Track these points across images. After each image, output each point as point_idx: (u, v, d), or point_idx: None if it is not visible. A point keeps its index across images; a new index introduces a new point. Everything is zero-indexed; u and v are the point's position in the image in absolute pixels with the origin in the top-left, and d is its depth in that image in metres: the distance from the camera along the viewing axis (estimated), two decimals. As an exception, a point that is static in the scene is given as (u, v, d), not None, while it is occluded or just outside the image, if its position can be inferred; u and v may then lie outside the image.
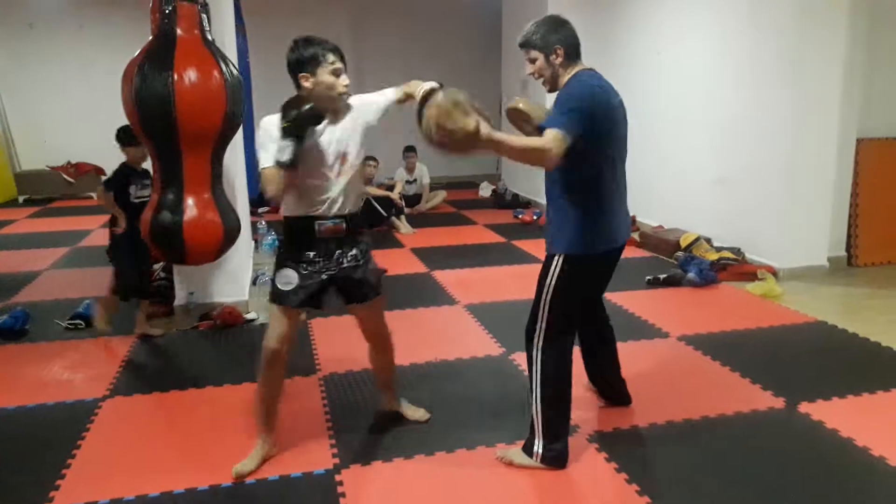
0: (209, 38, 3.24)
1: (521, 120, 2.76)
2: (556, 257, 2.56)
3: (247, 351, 3.96)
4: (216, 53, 3.17)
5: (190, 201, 3.13)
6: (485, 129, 2.19)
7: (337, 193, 2.60)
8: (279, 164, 2.41)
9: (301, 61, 2.51)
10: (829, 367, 3.62)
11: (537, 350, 2.61)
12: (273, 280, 2.65)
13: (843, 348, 3.89)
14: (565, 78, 2.52)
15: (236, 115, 3.20)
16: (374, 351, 2.97)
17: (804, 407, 3.12)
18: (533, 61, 2.55)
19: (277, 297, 2.62)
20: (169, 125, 2.98)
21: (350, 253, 2.68)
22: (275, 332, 2.64)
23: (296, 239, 2.64)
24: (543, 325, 2.59)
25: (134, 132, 3.38)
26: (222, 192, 3.37)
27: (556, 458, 2.63)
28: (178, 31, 3.09)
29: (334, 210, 2.61)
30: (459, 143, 2.21)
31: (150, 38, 3.16)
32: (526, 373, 3.51)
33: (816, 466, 2.68)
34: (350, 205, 2.67)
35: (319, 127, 2.51)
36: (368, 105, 2.73)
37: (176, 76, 2.94)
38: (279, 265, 2.65)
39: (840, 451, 2.78)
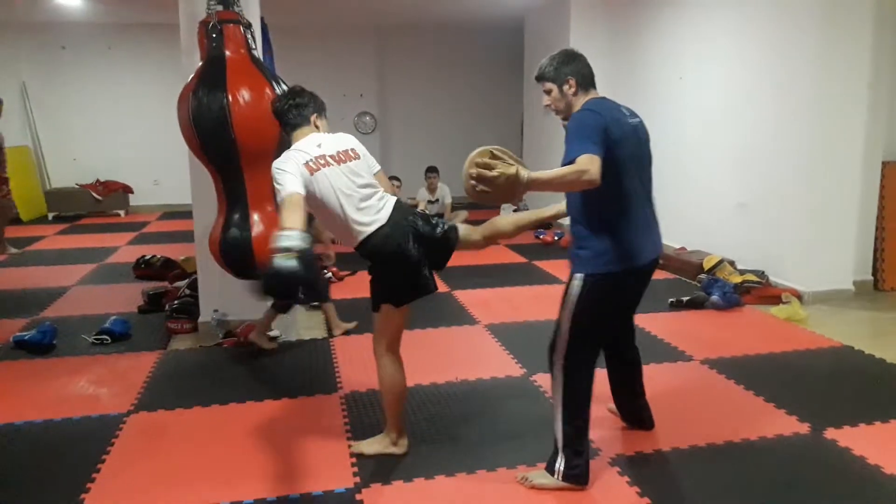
0: (256, 56, 3.30)
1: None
2: (577, 276, 2.58)
3: (270, 368, 4.00)
4: (265, 72, 3.23)
5: (256, 217, 3.18)
6: (524, 171, 2.30)
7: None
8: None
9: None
10: (856, 393, 3.57)
11: (558, 367, 2.63)
12: (385, 290, 2.78)
13: (870, 373, 3.83)
14: (577, 107, 2.58)
15: None
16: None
17: (830, 433, 3.08)
18: (548, 93, 2.64)
19: (396, 299, 2.77)
20: (228, 145, 3.03)
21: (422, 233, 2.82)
22: (391, 330, 2.82)
23: (378, 252, 2.75)
24: (565, 342, 2.61)
25: (195, 155, 3.44)
26: None
27: (577, 476, 2.62)
28: (227, 53, 3.15)
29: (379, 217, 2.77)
30: (502, 188, 2.31)
31: (200, 62, 3.22)
32: (547, 394, 3.52)
33: (843, 493, 2.64)
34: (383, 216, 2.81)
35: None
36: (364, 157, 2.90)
37: (230, 97, 3.00)
38: (391, 274, 2.76)
39: (867, 477, 2.73)
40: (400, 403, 2.90)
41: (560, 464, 2.62)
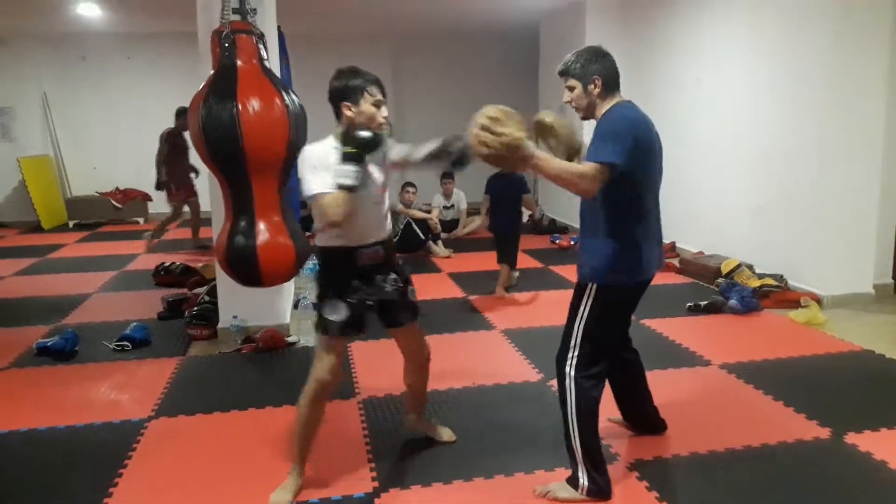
0: (268, 67, 3.34)
1: (547, 135, 2.79)
2: (590, 286, 2.56)
3: (288, 374, 4.03)
4: (276, 82, 3.27)
5: (262, 226, 3.21)
6: (531, 143, 2.28)
7: (376, 220, 2.68)
8: (345, 187, 2.41)
9: (345, 90, 2.59)
10: (876, 397, 3.54)
11: (570, 379, 2.59)
12: (319, 311, 2.67)
13: (890, 377, 3.80)
14: (603, 109, 2.54)
15: (299, 141, 3.29)
16: (410, 371, 3.00)
17: (851, 437, 3.05)
18: (571, 89, 2.58)
19: (326, 327, 2.63)
20: (237, 154, 3.07)
21: (390, 277, 2.73)
22: (325, 363, 2.66)
23: (338, 268, 2.68)
24: (576, 353, 2.58)
25: (203, 162, 3.48)
26: (291, 216, 3.46)
27: (600, 491, 2.59)
28: (239, 63, 3.19)
29: (372, 238, 2.67)
30: (504, 148, 2.28)
31: (213, 70, 3.26)
32: (564, 399, 3.51)
33: (864, 498, 2.62)
34: (385, 231, 2.74)
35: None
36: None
37: (240, 106, 3.03)
38: (323, 296, 2.67)
39: (889, 482, 2.71)
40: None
41: (583, 478, 2.59)
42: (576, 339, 2.58)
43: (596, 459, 2.60)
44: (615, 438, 3.08)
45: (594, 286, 2.55)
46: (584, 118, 2.63)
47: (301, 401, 2.70)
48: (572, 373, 2.58)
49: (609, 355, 2.70)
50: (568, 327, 2.62)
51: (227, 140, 3.04)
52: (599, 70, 2.53)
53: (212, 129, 3.05)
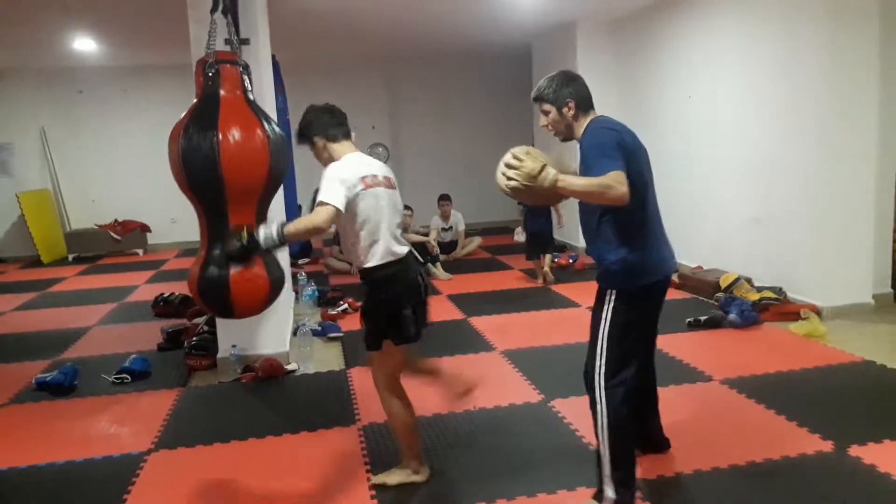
0: (251, 98, 3.36)
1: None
2: (610, 292, 2.59)
3: (288, 402, 4.01)
4: (258, 113, 3.29)
5: None
6: (553, 169, 2.35)
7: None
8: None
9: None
10: (879, 408, 3.52)
11: (601, 389, 2.58)
12: (389, 326, 2.79)
13: (893, 388, 3.78)
14: (582, 127, 2.62)
15: (279, 171, 3.30)
16: (411, 366, 3.05)
17: (854, 450, 3.04)
18: (546, 114, 2.67)
19: (401, 337, 2.79)
20: (214, 183, 3.07)
21: (424, 283, 2.92)
22: (392, 366, 2.88)
23: (392, 282, 2.81)
24: (603, 361, 2.58)
25: (181, 190, 3.49)
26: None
27: None
28: (222, 93, 3.22)
29: (405, 249, 2.88)
30: (527, 178, 2.36)
31: (195, 99, 3.29)
32: (566, 419, 3.50)
33: (870, 512, 2.60)
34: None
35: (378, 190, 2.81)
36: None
37: (220, 136, 3.05)
38: (397, 310, 2.77)
39: (894, 494, 2.69)
40: (413, 434, 2.92)
41: (609, 492, 2.56)
42: (601, 346, 2.59)
43: (624, 473, 2.57)
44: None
45: (613, 292, 2.58)
46: (564, 140, 2.70)
47: (384, 405, 2.92)
48: (602, 382, 2.58)
49: (636, 359, 2.67)
50: (593, 336, 2.63)
51: (206, 169, 3.05)
52: (572, 93, 2.62)
53: (191, 158, 3.06)
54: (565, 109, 2.62)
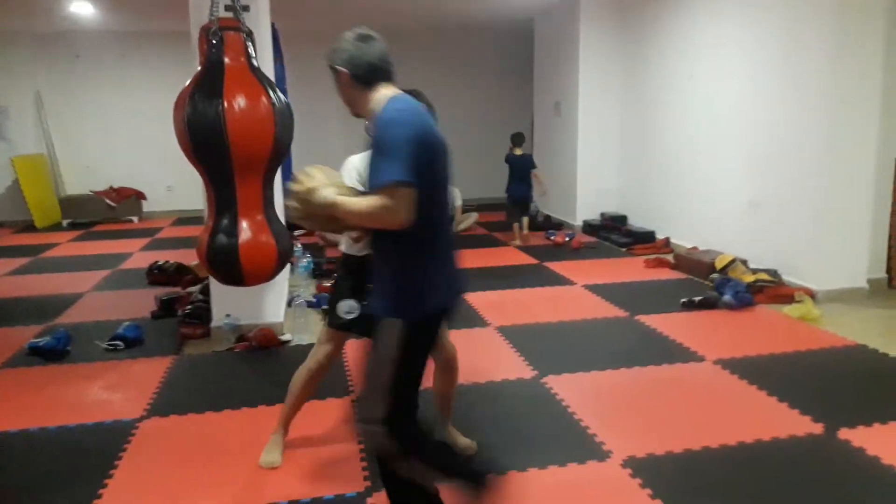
0: (255, 65, 3.32)
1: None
2: (394, 323, 2.04)
3: (282, 373, 4.00)
4: (263, 80, 3.24)
5: (244, 224, 3.19)
6: (326, 191, 2.02)
7: None
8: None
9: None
10: (870, 392, 3.54)
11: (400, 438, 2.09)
12: (332, 306, 2.89)
13: (885, 372, 3.80)
14: (368, 104, 2.10)
15: (285, 139, 3.27)
16: (438, 371, 3.03)
17: (844, 433, 3.05)
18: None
19: (333, 320, 2.88)
20: (221, 151, 3.05)
21: None
22: (325, 349, 2.93)
23: (357, 275, 2.87)
24: (388, 403, 2.06)
25: (188, 159, 3.46)
26: (275, 215, 3.44)
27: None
28: (226, 60, 3.17)
29: None
30: (301, 203, 2.07)
31: (199, 67, 3.24)
32: (559, 396, 3.52)
33: (857, 494, 2.61)
34: None
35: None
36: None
37: (225, 103, 3.01)
38: (341, 295, 2.88)
39: (881, 478, 2.71)
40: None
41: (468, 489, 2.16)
42: (386, 389, 2.07)
43: (464, 475, 2.22)
44: (609, 435, 3.08)
45: (402, 322, 2.05)
46: (356, 116, 2.22)
47: (296, 375, 2.98)
48: (385, 428, 2.08)
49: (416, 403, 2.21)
50: (372, 377, 2.12)
51: (212, 137, 3.02)
52: (347, 60, 2.13)
53: (196, 126, 3.03)
54: (338, 78, 2.13)
